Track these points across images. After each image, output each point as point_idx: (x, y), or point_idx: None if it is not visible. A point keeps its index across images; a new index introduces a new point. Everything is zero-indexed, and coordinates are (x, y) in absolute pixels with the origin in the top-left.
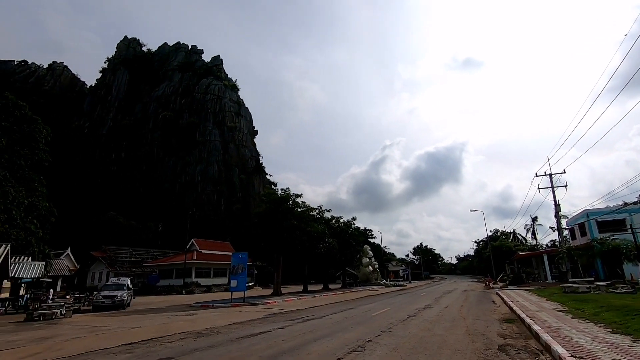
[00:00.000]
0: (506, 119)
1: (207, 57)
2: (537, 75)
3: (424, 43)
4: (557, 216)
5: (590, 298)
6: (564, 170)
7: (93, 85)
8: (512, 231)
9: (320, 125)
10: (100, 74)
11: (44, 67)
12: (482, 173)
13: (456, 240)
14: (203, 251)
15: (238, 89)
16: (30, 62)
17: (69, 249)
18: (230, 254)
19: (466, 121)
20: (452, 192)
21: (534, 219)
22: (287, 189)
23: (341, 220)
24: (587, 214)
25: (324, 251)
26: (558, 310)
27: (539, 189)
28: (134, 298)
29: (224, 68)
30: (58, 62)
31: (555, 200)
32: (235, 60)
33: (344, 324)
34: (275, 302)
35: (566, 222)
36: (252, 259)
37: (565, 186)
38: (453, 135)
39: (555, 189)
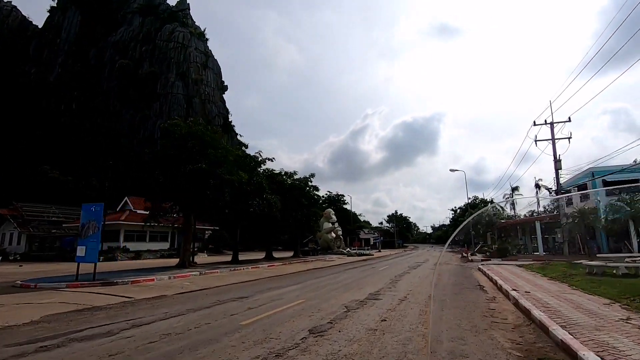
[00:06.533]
0: (482, 91)
1: (171, 1)
2: (516, 47)
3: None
4: (557, 173)
5: None
6: (569, 118)
7: (41, 27)
8: (490, 200)
9: (297, 89)
10: (48, 14)
11: None
12: (457, 145)
13: (430, 210)
14: (138, 211)
15: (206, 39)
16: None
17: None
18: (174, 216)
19: (445, 92)
20: (428, 163)
21: (514, 189)
22: (200, 120)
23: (295, 177)
24: (592, 172)
25: (257, 210)
26: None
27: (535, 141)
28: (21, 266)
29: (191, 14)
30: (5, 1)
31: (555, 153)
32: (204, 9)
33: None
34: (152, 279)
35: (554, 188)
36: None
37: (569, 138)
38: (431, 105)
39: (555, 140)
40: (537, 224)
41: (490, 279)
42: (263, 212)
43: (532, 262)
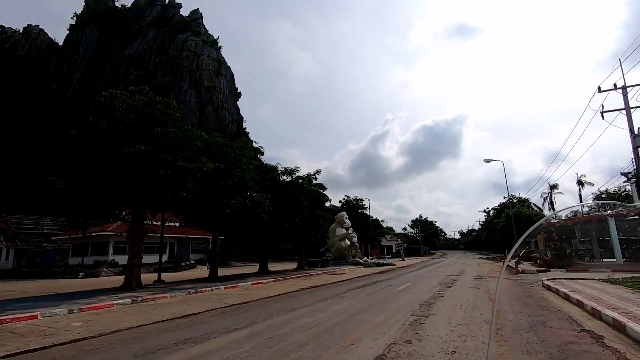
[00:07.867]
0: (505, 91)
1: (185, 12)
2: (538, 44)
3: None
4: (636, 151)
5: None
6: None
7: (61, 45)
8: (526, 200)
9: (314, 97)
10: (68, 32)
11: (20, 31)
12: (481, 148)
13: (456, 216)
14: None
15: (219, 46)
16: (7, 26)
17: None
18: (175, 225)
19: (466, 94)
20: (451, 167)
21: (553, 187)
22: (146, 90)
23: (296, 175)
24: None
25: (237, 210)
26: None
27: (602, 112)
28: None
29: (204, 24)
30: (33, 25)
31: (631, 125)
32: (218, 20)
33: None
34: (35, 315)
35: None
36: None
37: None
38: (451, 108)
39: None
40: (612, 222)
41: (594, 313)
42: (245, 214)
43: (622, 276)
